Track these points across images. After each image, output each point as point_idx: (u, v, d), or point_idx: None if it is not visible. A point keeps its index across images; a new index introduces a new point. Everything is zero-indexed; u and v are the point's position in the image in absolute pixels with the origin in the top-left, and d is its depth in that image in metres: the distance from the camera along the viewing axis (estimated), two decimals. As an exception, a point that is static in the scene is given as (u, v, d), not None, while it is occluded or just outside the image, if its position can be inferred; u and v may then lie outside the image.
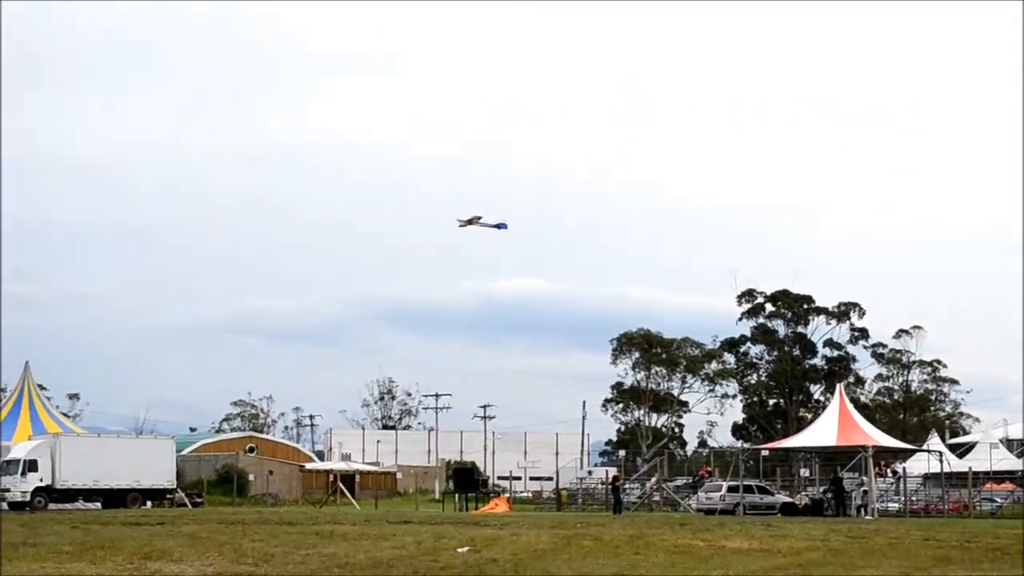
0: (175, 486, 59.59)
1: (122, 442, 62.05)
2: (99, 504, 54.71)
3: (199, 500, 63.87)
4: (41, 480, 53.13)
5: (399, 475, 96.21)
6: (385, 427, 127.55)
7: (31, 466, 53.00)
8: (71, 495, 54.37)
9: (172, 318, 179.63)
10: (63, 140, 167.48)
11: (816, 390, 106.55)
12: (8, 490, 52.75)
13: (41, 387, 68.18)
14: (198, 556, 22.71)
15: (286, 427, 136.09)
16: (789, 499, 57.61)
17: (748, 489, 55.51)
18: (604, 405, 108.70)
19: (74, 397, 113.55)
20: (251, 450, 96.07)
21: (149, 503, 56.27)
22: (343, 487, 73.38)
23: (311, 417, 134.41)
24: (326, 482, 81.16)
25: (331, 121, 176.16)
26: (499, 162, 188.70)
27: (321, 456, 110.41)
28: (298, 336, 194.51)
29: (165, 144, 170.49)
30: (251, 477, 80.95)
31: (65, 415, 79.79)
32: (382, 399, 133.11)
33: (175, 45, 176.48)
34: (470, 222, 63.51)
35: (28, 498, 52.37)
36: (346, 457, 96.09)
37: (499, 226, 65.36)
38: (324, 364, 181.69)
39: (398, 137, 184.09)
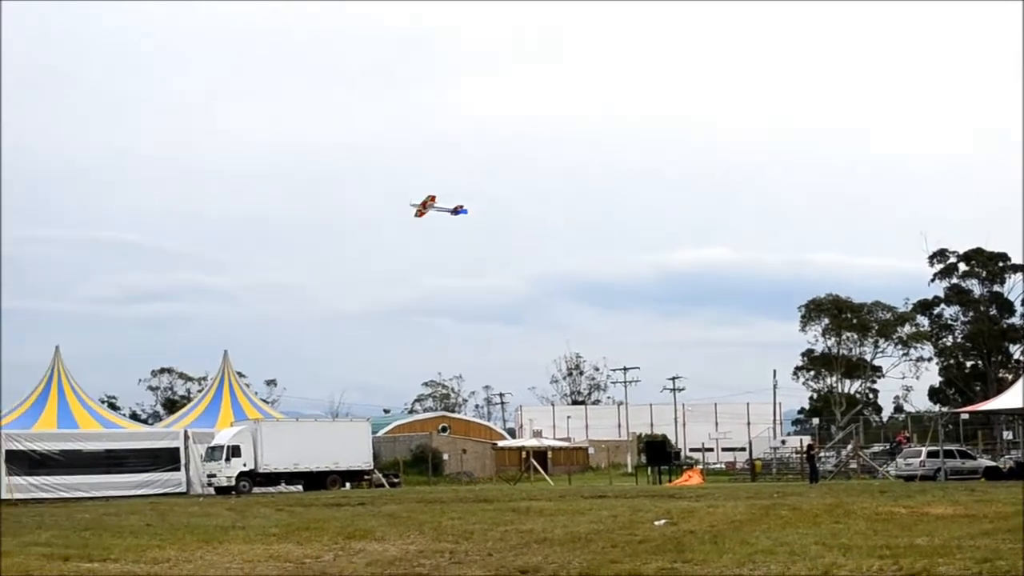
0: (372, 467, 60.98)
1: (320, 425, 63.75)
2: (300, 487, 56.41)
3: (396, 480, 65.20)
4: (244, 465, 54.91)
5: (591, 450, 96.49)
6: (575, 402, 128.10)
7: (235, 452, 54.81)
8: (273, 479, 56.14)
9: (361, 302, 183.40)
10: (246, 136, 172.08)
11: (1016, 350, 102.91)
12: (215, 475, 54.82)
13: (240, 375, 70.46)
14: (399, 535, 23.22)
15: (477, 406, 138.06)
16: (992, 463, 55.88)
17: (949, 454, 54.05)
18: (795, 373, 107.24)
19: (271, 383, 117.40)
20: (444, 430, 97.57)
21: (348, 484, 57.70)
22: (536, 463, 73.96)
23: (501, 395, 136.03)
24: (519, 459, 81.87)
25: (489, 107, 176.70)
26: (669, 127, 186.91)
27: (513, 434, 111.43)
28: (485, 315, 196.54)
29: (335, 136, 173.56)
30: (445, 456, 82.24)
31: (264, 401, 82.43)
32: (570, 375, 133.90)
33: (321, 44, 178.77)
34: (424, 206, 61.06)
35: (233, 483, 54.24)
36: (537, 434, 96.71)
37: (457, 211, 60.31)
38: (511, 342, 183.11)
39: (559, 113, 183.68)
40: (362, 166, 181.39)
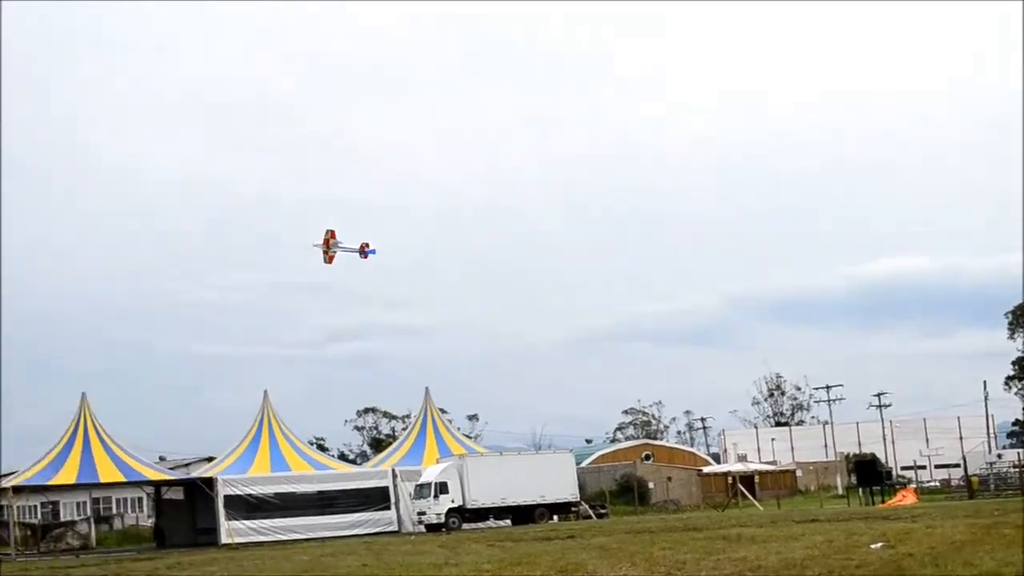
0: (579, 499, 61.12)
1: (524, 458, 64.21)
2: (509, 521, 56.90)
3: (603, 511, 65.19)
4: (453, 501, 55.61)
5: (798, 472, 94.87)
6: (778, 424, 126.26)
7: (442, 488, 55.59)
8: (482, 514, 56.73)
9: (556, 332, 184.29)
10: (435, 172, 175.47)
11: None
12: (424, 513, 55.72)
13: (442, 411, 71.51)
14: (611, 567, 23.33)
15: (679, 431, 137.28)
16: None
17: None
18: (1006, 383, 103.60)
19: (473, 418, 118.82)
20: (647, 458, 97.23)
21: (555, 517, 57.96)
22: (743, 488, 73.09)
23: (703, 420, 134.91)
24: (725, 485, 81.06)
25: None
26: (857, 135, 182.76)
27: (717, 459, 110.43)
28: (680, 338, 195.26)
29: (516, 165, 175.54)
30: (651, 485, 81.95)
31: (467, 436, 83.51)
32: (771, 395, 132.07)
33: (482, 69, 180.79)
34: (326, 244, 58.44)
35: (443, 519, 54.99)
36: (742, 458, 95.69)
37: (364, 251, 58.08)
38: (709, 364, 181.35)
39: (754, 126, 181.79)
40: (549, 192, 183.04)
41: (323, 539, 50.06)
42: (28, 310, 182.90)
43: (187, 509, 59.96)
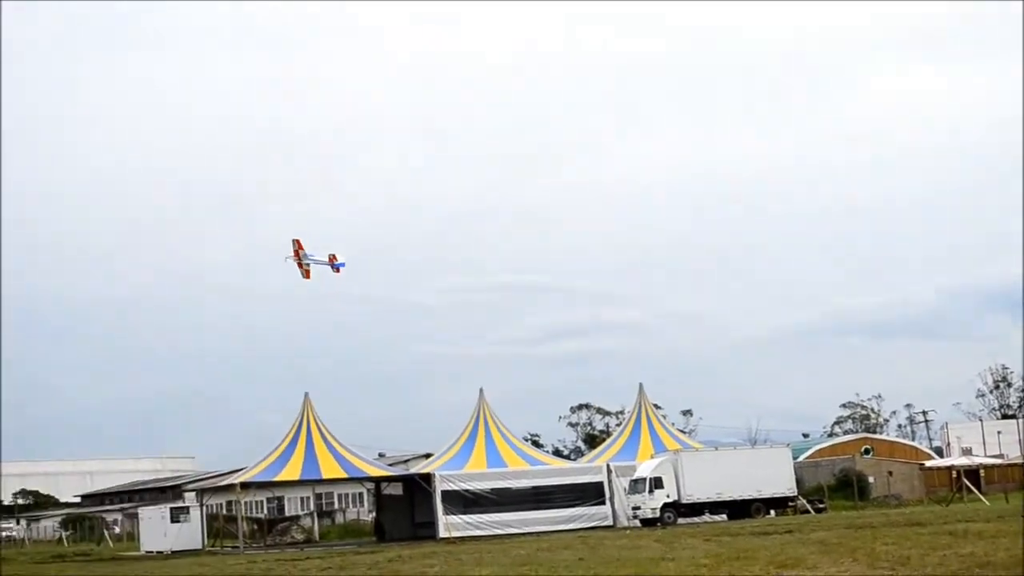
0: (796, 493, 60.10)
1: (739, 453, 63.48)
2: (724, 516, 56.36)
3: (822, 506, 63.94)
4: (668, 496, 55.42)
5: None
6: (1004, 416, 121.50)
7: (657, 483, 55.46)
8: (697, 509, 56.35)
9: (767, 326, 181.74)
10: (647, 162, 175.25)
11: None
12: (639, 507, 55.68)
13: (656, 406, 71.27)
14: (832, 562, 22.86)
15: (899, 425, 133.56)
16: None
17: None
18: None
19: (687, 413, 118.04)
20: (867, 452, 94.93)
21: (772, 512, 57.16)
22: (968, 483, 70.58)
23: (924, 413, 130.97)
24: (949, 479, 78.41)
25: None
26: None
27: (940, 452, 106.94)
28: (899, 331, 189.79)
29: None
30: (871, 479, 79.97)
31: (681, 431, 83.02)
32: (997, 388, 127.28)
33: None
34: (297, 256, 56.40)
35: (658, 514, 54.87)
36: (967, 451, 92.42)
37: (334, 263, 57.73)
38: (929, 357, 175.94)
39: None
40: (764, 184, 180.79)
41: (538, 534, 50.47)
42: (254, 321, 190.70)
43: (406, 504, 61.35)
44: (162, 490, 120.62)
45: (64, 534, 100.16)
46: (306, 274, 59.64)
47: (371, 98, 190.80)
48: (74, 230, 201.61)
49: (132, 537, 78.73)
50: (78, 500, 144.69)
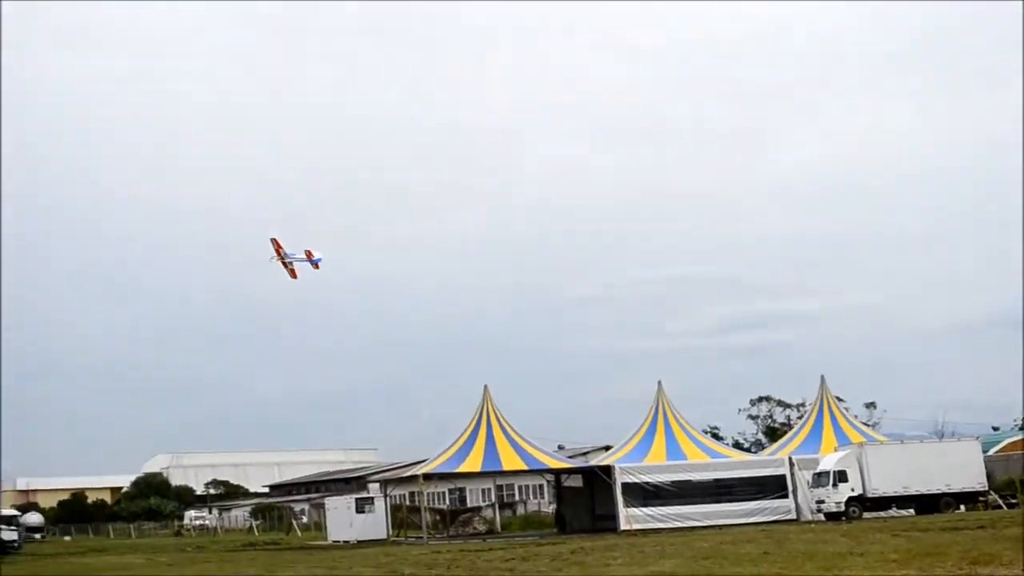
0: (986, 488, 58.33)
1: (926, 446, 61.82)
2: (912, 510, 55.05)
3: (1014, 501, 61.84)
4: (852, 490, 54.44)
5: None
6: None
7: (841, 476, 54.51)
8: (883, 503, 55.17)
9: (952, 317, 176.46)
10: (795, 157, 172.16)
11: None
12: (823, 501, 54.81)
13: (838, 399, 69.90)
14: (1030, 559, 22.21)
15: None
16: None
17: None
18: None
19: (870, 406, 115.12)
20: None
21: (962, 507, 55.63)
22: None
23: None
24: None
25: None
26: None
27: None
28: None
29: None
30: (1068, 474, 76.94)
31: (864, 424, 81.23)
32: None
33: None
34: (279, 255, 56.12)
35: (842, 508, 53.94)
36: None
37: (312, 260, 57.76)
38: None
39: None
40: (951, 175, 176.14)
41: (719, 527, 50.12)
42: (436, 315, 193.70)
43: (586, 496, 61.53)
44: (347, 481, 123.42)
45: (254, 523, 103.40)
46: (292, 273, 60.14)
47: (539, 90, 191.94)
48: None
49: (319, 527, 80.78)
50: (266, 490, 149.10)
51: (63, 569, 43.69)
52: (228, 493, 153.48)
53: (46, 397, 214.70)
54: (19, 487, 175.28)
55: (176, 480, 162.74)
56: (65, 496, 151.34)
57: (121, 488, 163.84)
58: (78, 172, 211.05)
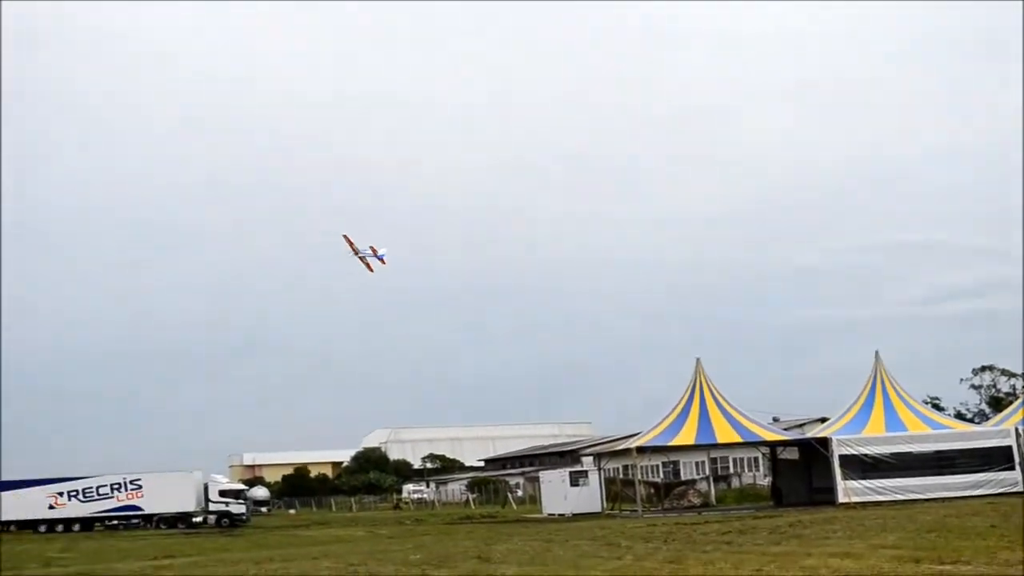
0: None
1: None
2: None
3: None
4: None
5: None
6: None
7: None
8: None
9: None
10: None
11: None
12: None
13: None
14: None
15: None
16: None
17: None
18: None
19: None
20: None
21: None
22: None
23: None
24: None
25: None
26: None
27: None
28: None
29: None
30: None
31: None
32: None
33: None
34: (354, 249, 57.76)
35: None
36: None
37: (378, 256, 59.29)
38: None
39: None
40: None
41: (942, 500, 48.75)
42: (646, 288, 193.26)
43: (802, 468, 60.62)
44: (560, 454, 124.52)
45: (471, 496, 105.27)
46: (368, 267, 60.95)
47: (754, 60, 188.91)
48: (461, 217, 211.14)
49: (534, 500, 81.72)
50: (481, 464, 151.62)
51: (289, 540, 45.39)
52: (444, 467, 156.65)
53: (267, 374, 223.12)
54: (246, 462, 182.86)
55: (394, 454, 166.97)
56: (289, 471, 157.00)
57: (341, 463, 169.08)
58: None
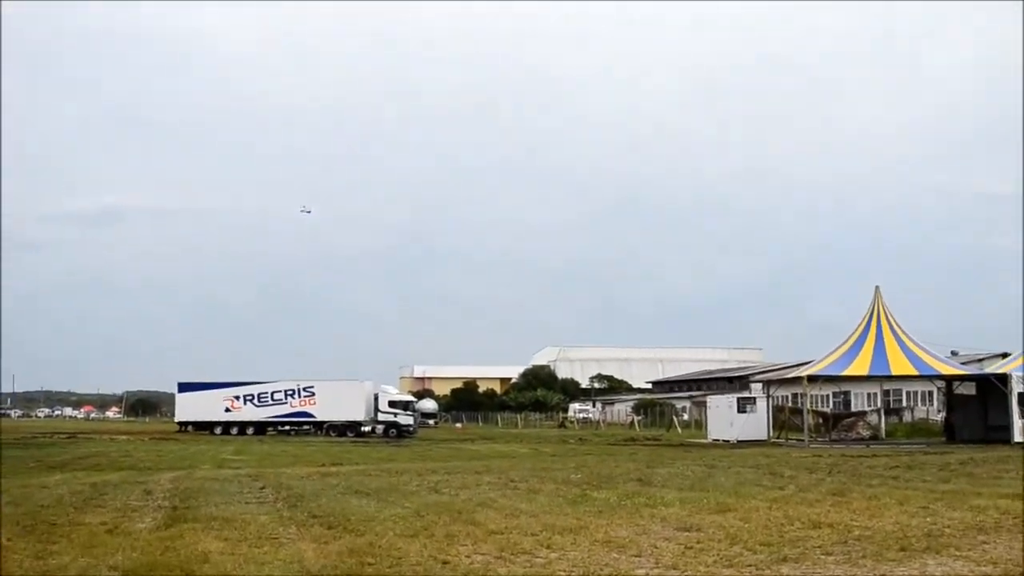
0: None
1: None
2: None
3: None
4: None
5: None
6: None
7: None
8: None
9: None
10: None
11: None
12: None
13: None
14: None
15: None
16: None
17: None
18: None
19: None
20: None
21: None
22: None
23: None
24: None
25: None
26: None
27: None
28: None
29: None
30: None
31: None
32: None
33: None
34: None
35: None
36: None
37: None
38: None
39: None
40: None
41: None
42: (817, 213, 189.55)
43: (978, 405, 59.08)
44: (729, 380, 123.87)
45: (636, 418, 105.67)
46: None
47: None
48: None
49: (699, 425, 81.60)
50: (649, 386, 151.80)
51: (453, 454, 46.32)
52: (611, 388, 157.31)
53: (444, 284, 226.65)
54: (416, 374, 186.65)
55: (562, 373, 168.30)
56: (458, 384, 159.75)
57: (510, 379, 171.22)
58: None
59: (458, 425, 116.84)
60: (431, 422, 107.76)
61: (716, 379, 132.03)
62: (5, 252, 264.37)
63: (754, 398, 64.36)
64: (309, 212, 76.60)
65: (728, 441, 57.75)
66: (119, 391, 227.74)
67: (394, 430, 74.48)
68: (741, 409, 60.63)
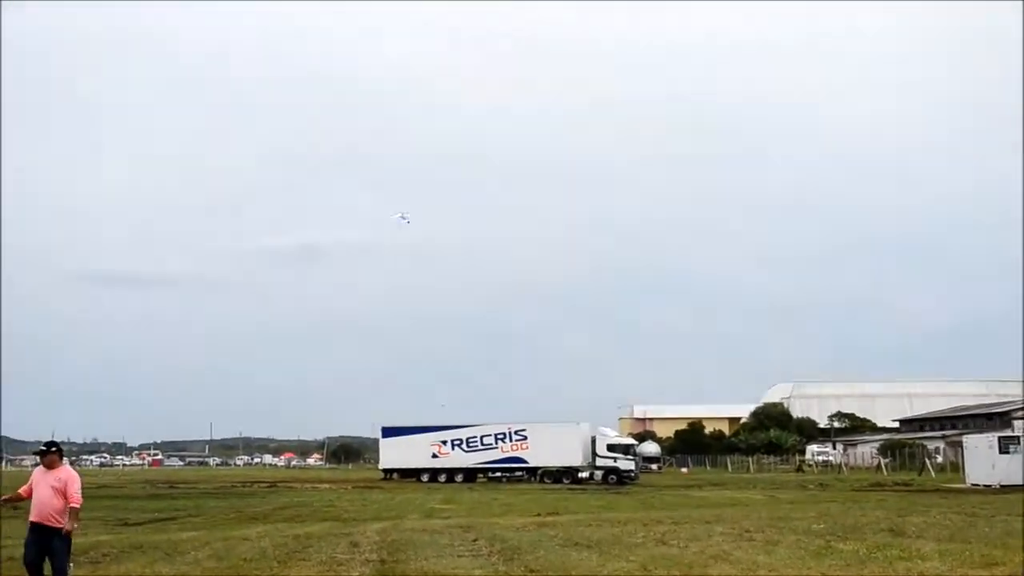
0: None
1: None
2: None
3: None
4: None
5: None
6: None
7: None
8: None
9: None
10: None
11: None
12: None
13: None
14: None
15: None
16: None
17: None
18: None
19: None
20: None
21: None
22: None
23: None
24: None
25: None
26: None
27: None
28: None
29: None
30: None
31: None
32: None
33: None
34: None
35: None
36: None
37: None
38: None
39: None
40: None
41: None
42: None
43: None
44: (988, 417, 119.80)
45: (882, 461, 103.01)
46: None
47: None
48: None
49: (955, 467, 79.04)
50: (896, 424, 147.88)
51: (680, 501, 45.90)
52: (853, 427, 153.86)
53: (662, 318, 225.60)
54: (636, 415, 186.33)
55: (797, 411, 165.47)
56: (681, 425, 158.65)
57: (739, 418, 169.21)
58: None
59: (684, 470, 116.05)
60: (654, 467, 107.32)
61: (973, 416, 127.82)
62: (201, 294, 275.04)
63: (1018, 437, 61.99)
64: (408, 222, 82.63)
65: (989, 486, 55.73)
66: (320, 436, 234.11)
67: (614, 476, 74.36)
68: (1003, 449, 58.39)
